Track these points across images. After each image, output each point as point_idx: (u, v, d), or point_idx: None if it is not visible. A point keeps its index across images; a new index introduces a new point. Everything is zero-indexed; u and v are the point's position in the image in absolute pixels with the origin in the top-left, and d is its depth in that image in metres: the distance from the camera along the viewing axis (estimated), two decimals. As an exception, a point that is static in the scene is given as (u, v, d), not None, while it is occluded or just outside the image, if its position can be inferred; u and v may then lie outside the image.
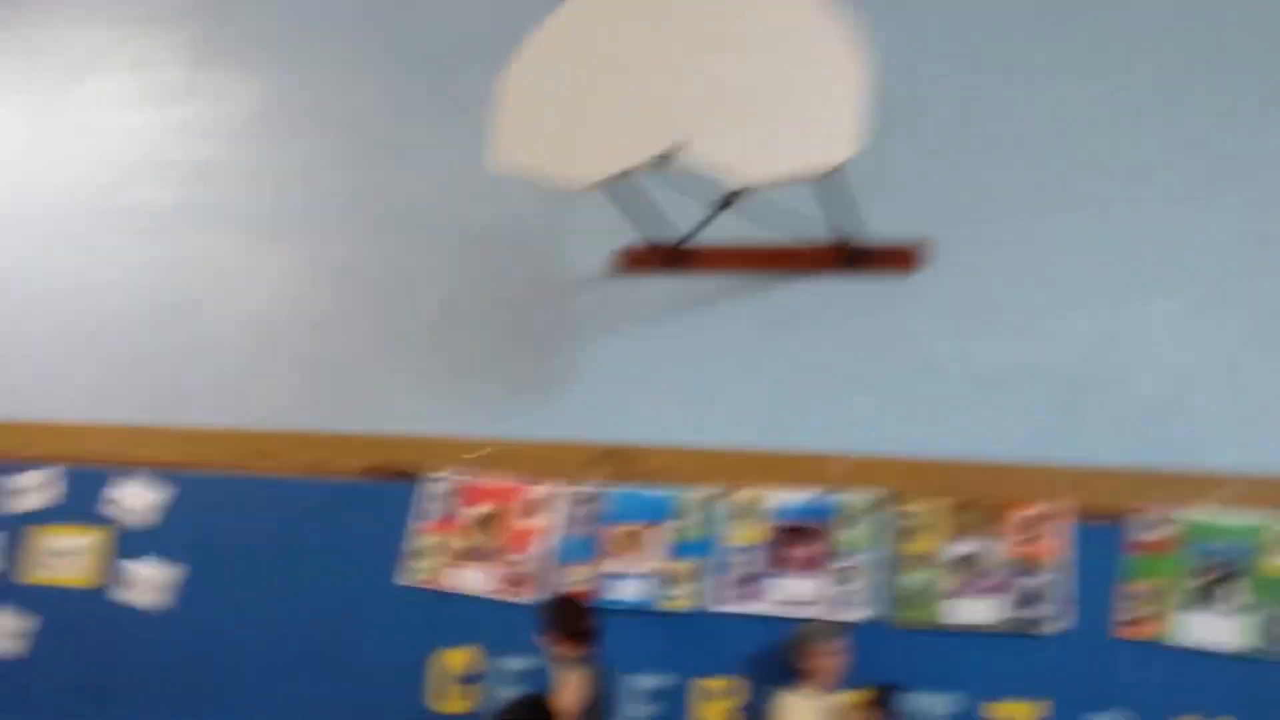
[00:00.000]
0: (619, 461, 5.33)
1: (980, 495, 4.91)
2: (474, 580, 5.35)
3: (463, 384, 5.77)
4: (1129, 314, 5.10)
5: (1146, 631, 4.64)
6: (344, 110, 6.41)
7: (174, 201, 6.47)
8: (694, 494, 5.21)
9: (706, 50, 4.57)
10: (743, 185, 4.68)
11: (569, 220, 5.74)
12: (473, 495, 5.47)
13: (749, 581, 5.05)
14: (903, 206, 5.37)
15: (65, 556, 5.85)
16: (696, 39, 4.61)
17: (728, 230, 5.26)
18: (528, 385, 5.70)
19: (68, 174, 6.66)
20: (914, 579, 4.90)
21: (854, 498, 5.04)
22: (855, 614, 4.89)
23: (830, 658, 4.62)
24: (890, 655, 4.77)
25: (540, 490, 5.39)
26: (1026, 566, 4.80)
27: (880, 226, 5.31)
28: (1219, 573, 4.63)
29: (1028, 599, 4.76)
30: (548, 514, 5.35)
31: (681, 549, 5.16)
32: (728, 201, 4.99)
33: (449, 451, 5.54)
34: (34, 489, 6.01)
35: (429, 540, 5.45)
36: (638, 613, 5.11)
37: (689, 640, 5.05)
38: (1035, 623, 4.73)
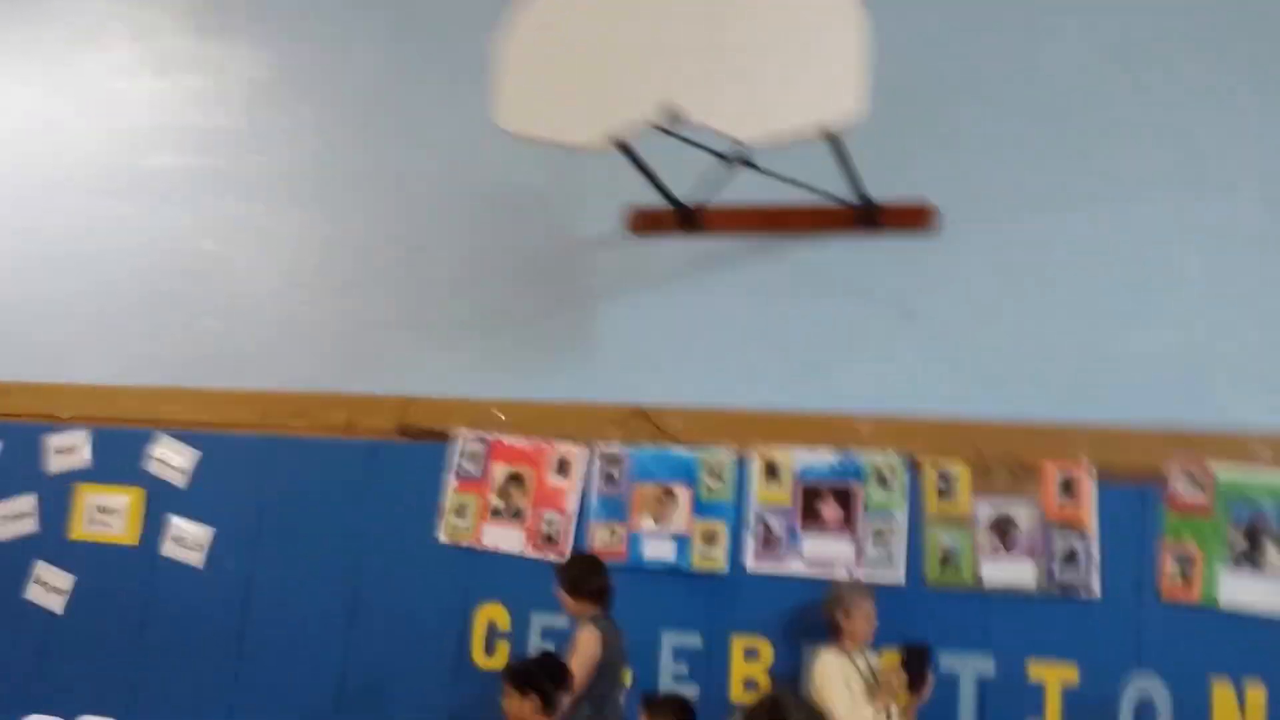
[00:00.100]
0: (644, 422, 5.32)
1: (1009, 456, 4.85)
2: (505, 538, 5.38)
3: (486, 345, 5.76)
4: (1156, 272, 4.99)
5: (1183, 593, 4.59)
6: (355, 76, 6.37)
7: (192, 167, 6.48)
8: (721, 454, 5.19)
9: (711, 10, 4.50)
10: (749, 145, 4.63)
11: (584, 182, 5.67)
12: (501, 455, 5.48)
13: (778, 542, 5.04)
14: (916, 166, 5.26)
15: (108, 514, 5.95)
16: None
17: (745, 191, 5.19)
18: (550, 346, 5.69)
19: (89, 141, 6.68)
20: (946, 539, 4.86)
21: (882, 458, 5.00)
22: (886, 574, 4.87)
23: (862, 617, 4.61)
24: (925, 616, 4.75)
25: (567, 450, 5.39)
26: (1059, 528, 4.74)
27: (898, 187, 5.20)
28: (1258, 533, 4.56)
29: (1063, 560, 4.72)
30: (575, 474, 5.36)
31: (710, 509, 5.15)
32: (736, 162, 4.93)
33: (475, 412, 5.55)
34: (73, 449, 6.09)
35: (460, 499, 5.48)
36: (669, 572, 5.13)
37: (721, 599, 5.06)
38: (1069, 585, 4.69)
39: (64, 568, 5.94)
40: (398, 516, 5.52)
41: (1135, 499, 4.69)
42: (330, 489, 5.65)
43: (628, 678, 4.79)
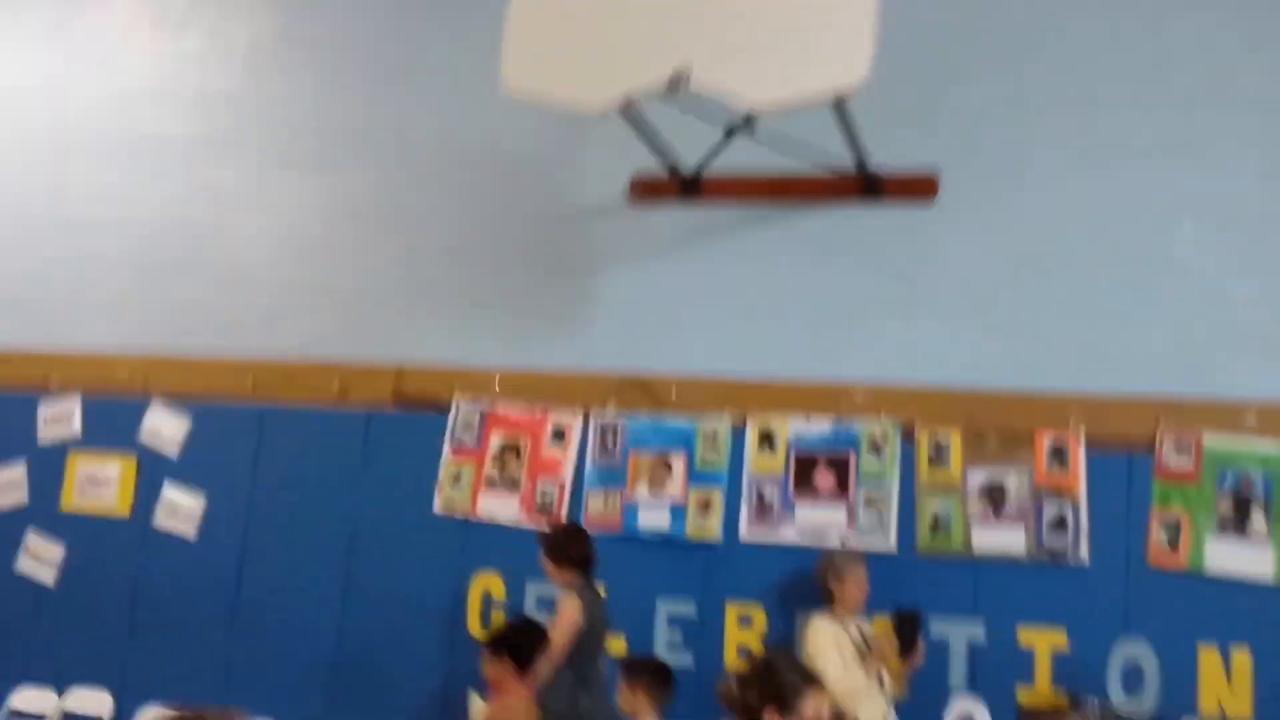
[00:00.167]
0: (640, 391, 5.34)
1: (1002, 423, 4.91)
2: (501, 508, 5.40)
3: (483, 314, 5.76)
4: (1151, 238, 5.03)
5: (1170, 560, 4.66)
6: (356, 39, 6.33)
7: (184, 132, 6.44)
8: (716, 423, 5.23)
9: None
10: (753, 111, 4.62)
11: (584, 149, 5.68)
12: (498, 424, 5.50)
13: (772, 510, 5.09)
14: (920, 137, 5.30)
15: (100, 485, 5.93)
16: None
17: (745, 160, 5.21)
18: (547, 315, 5.69)
19: (86, 105, 6.62)
20: (938, 507, 4.92)
21: (875, 426, 5.04)
22: (878, 541, 4.92)
23: (854, 584, 4.66)
24: (917, 582, 4.81)
25: (563, 419, 5.41)
26: (1052, 494, 4.80)
27: (898, 157, 5.24)
28: (1245, 501, 4.62)
29: (1054, 527, 4.78)
30: (572, 443, 5.38)
31: (705, 478, 5.19)
32: (739, 128, 4.93)
33: (472, 381, 5.56)
34: (63, 418, 6.06)
35: (457, 468, 5.49)
36: (664, 540, 5.17)
37: (715, 567, 5.10)
38: (1059, 551, 4.75)
39: (55, 539, 5.92)
40: (393, 486, 5.53)
41: (1125, 467, 4.76)
42: (325, 458, 5.65)
43: (613, 645, 4.83)
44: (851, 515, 4.99)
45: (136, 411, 5.94)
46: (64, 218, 6.47)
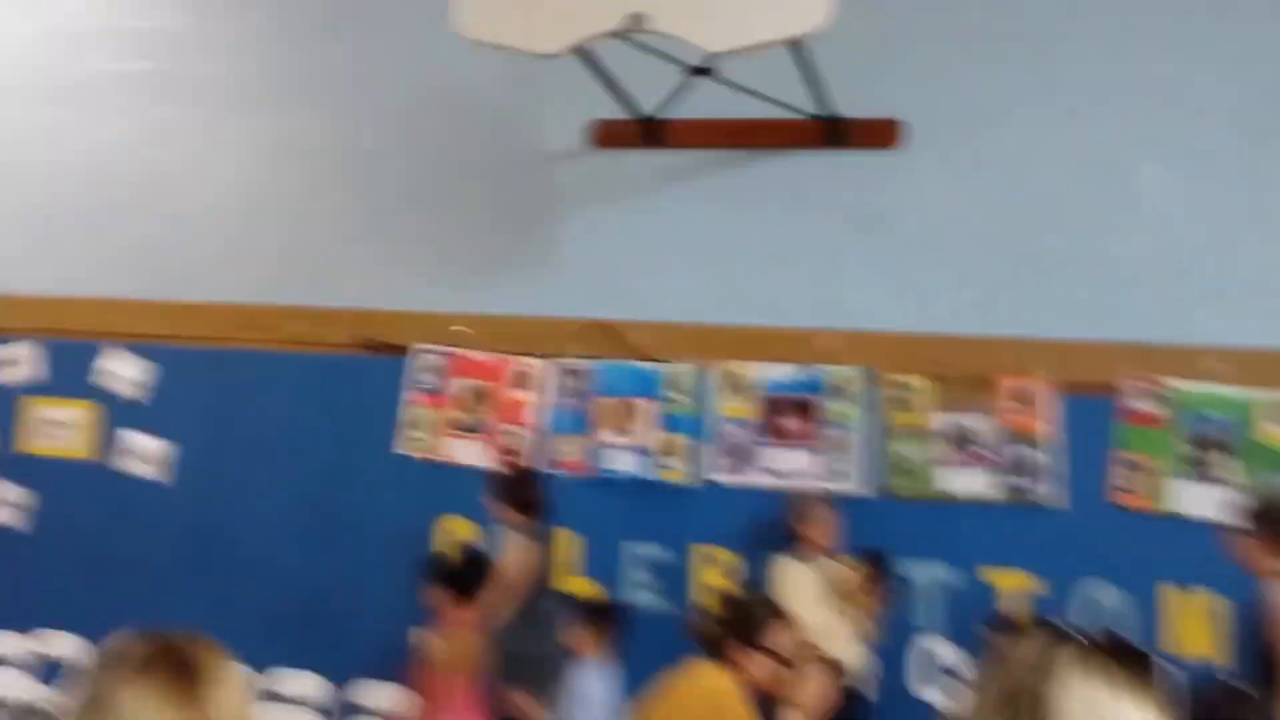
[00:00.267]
0: (603, 336, 5.28)
1: (968, 369, 4.89)
2: (466, 451, 5.37)
3: (442, 258, 5.66)
4: (1117, 185, 4.97)
5: (1137, 502, 4.69)
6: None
7: (131, 72, 6.21)
8: (682, 368, 5.19)
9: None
10: (713, 54, 4.52)
11: (547, 94, 5.51)
12: (461, 369, 5.44)
13: (741, 453, 5.08)
14: (886, 83, 5.17)
15: (60, 428, 5.85)
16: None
17: (710, 106, 5.07)
18: (508, 260, 5.59)
19: (23, 46, 6.39)
20: (905, 450, 4.93)
21: (842, 371, 5.02)
22: (847, 484, 4.93)
23: (824, 526, 4.68)
24: (885, 525, 4.82)
25: (526, 364, 5.36)
26: (1018, 439, 4.82)
27: (864, 103, 5.12)
28: (1208, 445, 4.66)
29: (1020, 471, 4.80)
30: (537, 388, 5.33)
31: (673, 422, 5.16)
32: (698, 71, 4.82)
33: (432, 326, 5.48)
34: (20, 361, 5.96)
35: (421, 413, 5.44)
36: (633, 484, 5.15)
37: (683, 511, 5.10)
38: (1027, 493, 4.78)
39: (18, 482, 5.86)
40: (359, 430, 5.48)
41: (1092, 411, 4.76)
42: (290, 402, 5.59)
43: (580, 587, 4.87)
44: (820, 459, 4.99)
45: (93, 355, 5.83)
46: (8, 161, 6.26)
